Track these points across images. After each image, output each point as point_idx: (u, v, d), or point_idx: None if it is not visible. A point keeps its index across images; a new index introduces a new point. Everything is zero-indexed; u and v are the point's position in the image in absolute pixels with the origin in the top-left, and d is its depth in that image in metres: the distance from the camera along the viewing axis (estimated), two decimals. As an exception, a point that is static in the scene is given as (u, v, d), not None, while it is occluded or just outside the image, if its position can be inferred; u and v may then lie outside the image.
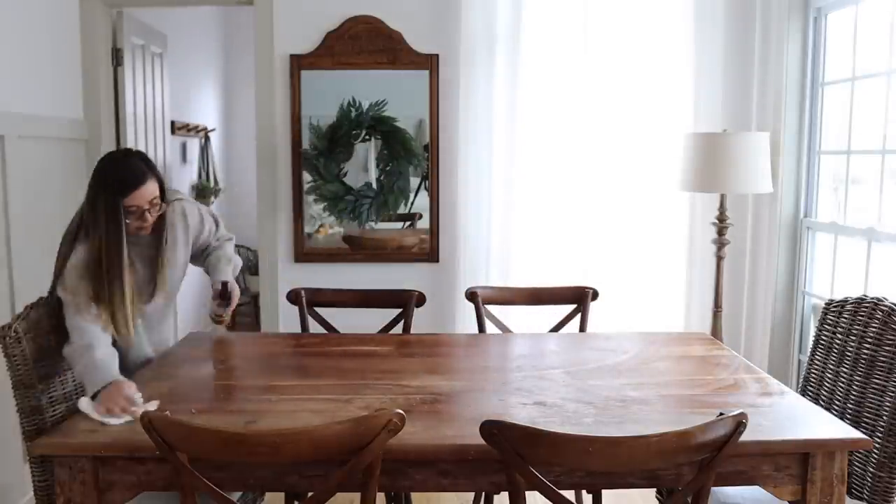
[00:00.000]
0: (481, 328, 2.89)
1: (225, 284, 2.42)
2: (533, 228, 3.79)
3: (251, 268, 6.19)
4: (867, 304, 2.16)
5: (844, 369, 2.19)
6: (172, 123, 4.89)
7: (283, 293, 3.16)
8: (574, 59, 3.70)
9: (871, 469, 1.99)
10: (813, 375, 2.33)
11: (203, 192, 5.65)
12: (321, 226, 3.77)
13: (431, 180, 3.75)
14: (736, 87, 3.64)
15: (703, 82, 3.65)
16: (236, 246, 2.63)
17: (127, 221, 2.13)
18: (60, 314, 2.12)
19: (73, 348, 2.06)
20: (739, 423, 1.57)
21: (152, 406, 1.91)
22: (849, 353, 2.18)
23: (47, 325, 2.06)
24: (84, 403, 1.91)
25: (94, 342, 2.06)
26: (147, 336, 2.37)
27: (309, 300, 2.92)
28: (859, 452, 2.04)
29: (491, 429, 1.53)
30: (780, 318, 3.58)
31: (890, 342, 2.03)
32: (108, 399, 1.90)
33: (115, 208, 2.10)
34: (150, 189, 2.16)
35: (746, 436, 1.60)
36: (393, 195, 3.74)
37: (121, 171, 2.14)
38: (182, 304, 5.04)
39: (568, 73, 3.71)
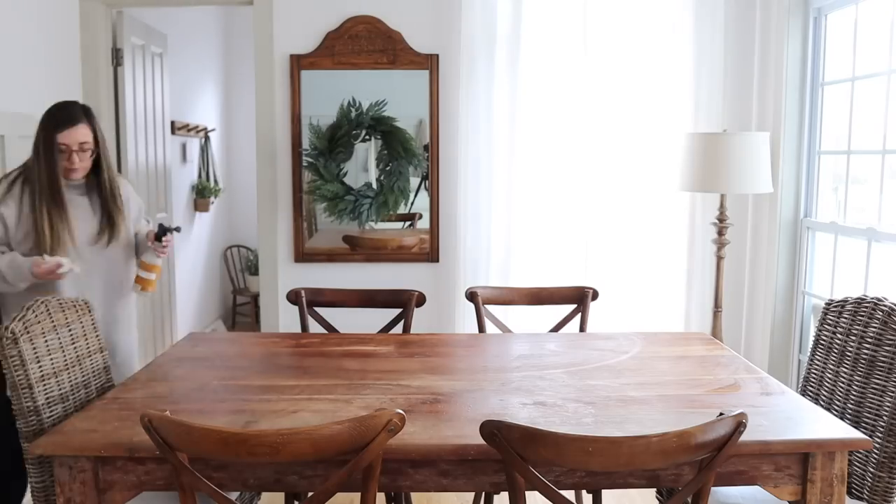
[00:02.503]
0: (481, 328, 2.89)
1: (161, 225, 2.61)
2: (533, 228, 3.79)
3: (251, 268, 6.19)
4: (867, 304, 2.16)
5: (844, 369, 2.18)
6: (172, 123, 4.89)
7: (283, 293, 3.17)
8: (574, 59, 3.70)
9: (871, 469, 1.99)
10: (813, 375, 2.33)
11: (203, 192, 5.64)
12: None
13: (431, 180, 3.75)
14: (736, 87, 3.64)
15: (703, 82, 3.66)
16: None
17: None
18: (58, 315, 2.12)
19: None
20: (739, 423, 1.57)
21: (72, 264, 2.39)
22: (849, 353, 2.18)
23: (44, 325, 2.06)
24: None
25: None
26: (106, 276, 2.61)
27: (309, 300, 2.92)
28: (859, 452, 2.04)
29: (491, 429, 1.53)
30: (780, 318, 3.58)
31: (890, 342, 2.03)
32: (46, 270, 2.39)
33: (51, 142, 2.41)
34: (82, 132, 2.45)
35: (746, 436, 1.60)
36: (393, 195, 3.74)
37: (57, 112, 2.46)
38: (182, 305, 5.04)
39: (568, 74, 3.71)
